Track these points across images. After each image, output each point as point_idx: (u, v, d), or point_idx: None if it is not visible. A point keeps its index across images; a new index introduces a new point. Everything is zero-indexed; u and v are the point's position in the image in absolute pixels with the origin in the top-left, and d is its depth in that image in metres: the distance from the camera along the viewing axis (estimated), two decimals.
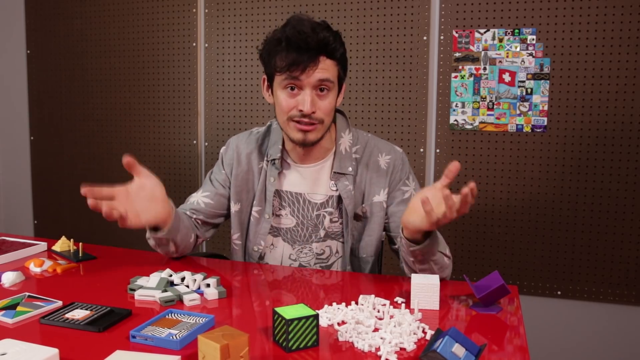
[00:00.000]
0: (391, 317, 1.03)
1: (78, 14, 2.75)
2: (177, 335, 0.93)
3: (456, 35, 2.22)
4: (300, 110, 1.30)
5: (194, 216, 1.48)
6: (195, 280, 1.18)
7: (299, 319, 0.90)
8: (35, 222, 2.97)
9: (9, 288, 1.20)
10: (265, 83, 1.40)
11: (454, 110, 2.25)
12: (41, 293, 1.15)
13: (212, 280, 1.17)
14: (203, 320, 1.00)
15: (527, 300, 2.24)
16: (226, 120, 2.55)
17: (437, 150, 2.28)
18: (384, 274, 1.38)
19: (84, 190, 1.15)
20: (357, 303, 1.10)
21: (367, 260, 1.46)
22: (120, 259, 1.42)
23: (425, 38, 2.26)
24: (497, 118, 2.21)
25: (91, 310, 1.05)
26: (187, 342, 0.93)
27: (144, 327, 0.96)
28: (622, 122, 2.09)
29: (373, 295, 1.12)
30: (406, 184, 1.44)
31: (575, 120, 2.13)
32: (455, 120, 2.25)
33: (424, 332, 0.98)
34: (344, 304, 1.09)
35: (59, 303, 1.10)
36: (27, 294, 1.14)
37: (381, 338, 0.93)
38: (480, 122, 2.23)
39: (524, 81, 2.17)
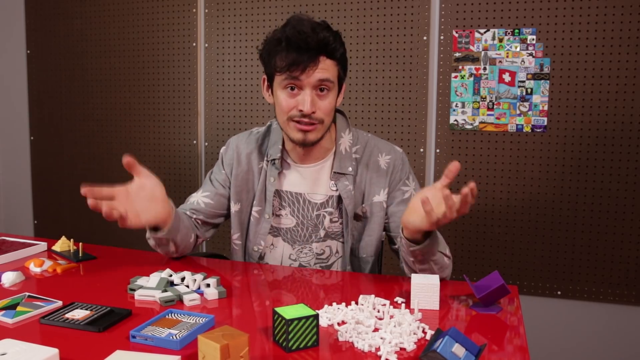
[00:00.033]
0: (391, 317, 1.03)
1: (78, 14, 2.75)
2: (177, 335, 0.93)
3: (456, 35, 2.22)
4: (300, 110, 1.30)
5: (194, 216, 1.48)
6: (195, 280, 1.18)
7: (299, 319, 0.90)
8: (35, 222, 2.97)
9: (9, 288, 1.21)
10: (265, 83, 1.40)
11: (454, 110, 2.25)
12: (41, 293, 1.15)
13: (212, 280, 1.17)
14: (203, 320, 1.00)
15: (527, 300, 2.24)
16: (226, 120, 2.55)
17: (437, 150, 2.28)
18: (384, 274, 1.38)
19: (84, 190, 1.15)
20: (357, 303, 1.10)
21: (367, 260, 1.46)
22: (120, 259, 1.42)
23: (425, 38, 2.26)
24: (497, 118, 2.21)
25: (91, 310, 1.05)
26: (187, 342, 0.93)
27: (144, 327, 0.96)
28: (622, 122, 2.09)
29: (373, 295, 1.12)
30: (406, 184, 1.44)
31: (575, 120, 2.13)
32: (455, 120, 2.25)
33: (424, 332, 0.98)
34: (344, 304, 1.09)
35: (59, 303, 1.10)
36: (27, 294, 1.14)
37: (381, 338, 0.93)
38: (480, 122, 2.23)
39: (524, 81, 2.17)
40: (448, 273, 1.30)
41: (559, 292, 2.22)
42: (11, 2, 2.87)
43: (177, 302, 1.12)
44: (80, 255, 1.43)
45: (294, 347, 0.90)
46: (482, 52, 2.20)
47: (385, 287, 1.23)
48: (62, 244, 1.48)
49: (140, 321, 1.01)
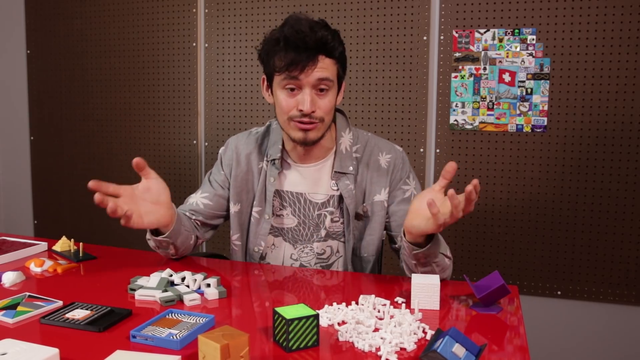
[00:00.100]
0: (391, 317, 1.03)
1: (78, 14, 2.75)
2: (177, 335, 0.93)
3: (456, 35, 2.22)
4: (301, 110, 1.29)
5: (193, 217, 1.48)
6: (196, 280, 1.18)
7: (299, 319, 0.90)
8: (35, 222, 2.97)
9: (9, 288, 1.21)
10: (265, 83, 1.40)
11: (454, 110, 2.25)
12: (41, 293, 1.15)
13: (212, 280, 1.17)
14: (203, 320, 1.00)
15: (527, 300, 2.24)
16: (226, 120, 2.55)
17: (437, 150, 2.28)
18: (384, 274, 1.38)
19: (92, 183, 1.14)
20: (357, 303, 1.10)
21: (369, 260, 1.46)
22: (121, 259, 1.42)
23: (425, 38, 2.26)
24: (497, 118, 2.21)
25: (91, 310, 1.05)
26: (187, 342, 0.93)
27: (144, 327, 0.96)
28: (622, 122, 2.09)
29: (373, 295, 1.12)
30: (407, 182, 1.44)
31: (575, 120, 2.13)
32: (455, 120, 2.25)
33: (424, 332, 0.98)
34: (344, 304, 1.09)
35: (59, 303, 1.10)
36: (28, 293, 1.14)
37: (381, 338, 0.93)
38: (480, 122, 2.23)
39: (524, 81, 2.17)
40: (449, 274, 1.30)
41: (559, 292, 2.22)
42: (11, 2, 2.87)
43: (178, 302, 1.12)
44: (80, 255, 1.43)
45: (294, 347, 0.90)
46: (482, 52, 2.20)
47: (386, 287, 1.23)
48: (63, 244, 1.48)
49: (141, 321, 1.01)
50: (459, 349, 0.84)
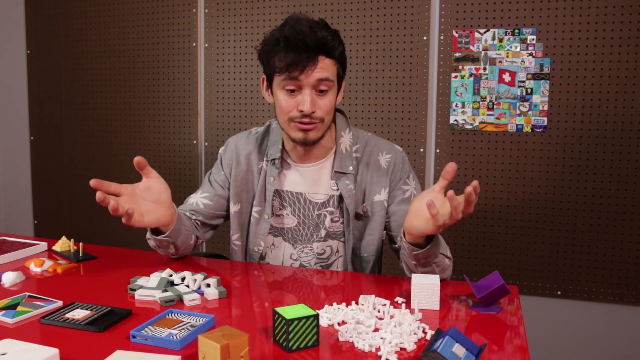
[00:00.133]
0: (391, 317, 1.03)
1: (78, 14, 2.75)
2: (177, 335, 0.93)
3: (456, 35, 2.22)
4: (301, 111, 1.29)
5: (193, 217, 1.48)
6: (196, 280, 1.18)
7: (299, 319, 0.90)
8: (35, 222, 2.97)
9: (9, 288, 1.20)
10: (265, 83, 1.40)
11: (454, 110, 2.25)
12: (41, 293, 1.15)
13: (212, 280, 1.17)
14: (203, 320, 1.00)
15: (527, 300, 2.24)
16: (226, 120, 2.55)
17: (437, 150, 2.28)
18: (384, 274, 1.38)
19: (94, 182, 1.14)
20: (357, 303, 1.10)
21: (369, 260, 1.46)
22: (121, 259, 1.42)
23: (425, 38, 2.26)
24: (497, 118, 2.21)
25: (91, 310, 1.05)
26: (187, 342, 0.93)
27: (144, 327, 0.96)
28: (622, 122, 2.09)
29: (373, 295, 1.12)
30: (407, 182, 1.44)
31: (575, 120, 2.13)
32: (455, 120, 2.25)
33: (424, 332, 0.98)
34: (344, 304, 1.09)
35: (59, 303, 1.10)
36: (27, 294, 1.14)
37: (381, 338, 0.93)
38: (480, 122, 2.23)
39: (524, 81, 2.17)
40: (449, 274, 1.30)
41: (559, 292, 2.22)
42: (11, 2, 2.87)
43: (177, 302, 1.12)
44: (80, 255, 1.43)
45: (294, 347, 0.90)
46: (482, 52, 2.20)
47: (386, 287, 1.23)
48: (62, 244, 1.48)
49: (141, 321, 1.01)
50: (459, 349, 0.84)
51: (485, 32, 2.19)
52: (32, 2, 2.83)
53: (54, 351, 0.85)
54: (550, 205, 2.19)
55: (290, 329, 0.89)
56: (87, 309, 1.05)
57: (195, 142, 2.61)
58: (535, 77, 2.15)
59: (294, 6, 2.40)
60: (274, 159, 1.43)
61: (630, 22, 2.04)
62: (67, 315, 1.02)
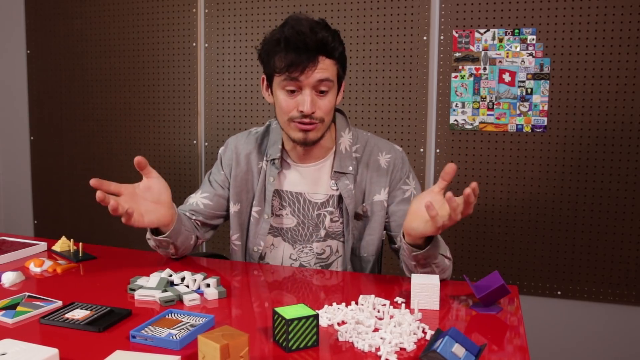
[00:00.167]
0: (391, 317, 1.03)
1: (78, 14, 2.75)
2: (177, 335, 0.93)
3: (456, 35, 2.22)
4: (301, 111, 1.29)
5: (193, 217, 1.48)
6: (195, 280, 1.18)
7: (299, 319, 0.90)
8: (35, 222, 2.97)
9: (9, 288, 1.20)
10: (265, 83, 1.40)
11: (454, 110, 2.25)
12: (41, 293, 1.15)
13: (212, 280, 1.17)
14: (203, 320, 1.00)
15: (527, 300, 2.24)
16: (226, 120, 2.55)
17: (437, 150, 2.28)
18: (384, 274, 1.38)
19: (94, 181, 1.14)
20: (357, 303, 1.10)
21: (368, 260, 1.46)
22: (120, 259, 1.42)
23: (425, 38, 2.26)
24: (497, 118, 2.21)
25: (91, 310, 1.05)
26: (187, 342, 0.93)
27: (144, 327, 0.96)
28: (622, 122, 2.09)
29: (373, 295, 1.12)
30: (406, 182, 1.44)
31: (575, 120, 2.13)
32: (455, 120, 2.25)
33: (424, 332, 0.98)
34: (344, 304, 1.09)
35: (59, 303, 1.10)
36: (27, 294, 1.14)
37: (381, 338, 0.93)
38: (480, 122, 2.23)
39: (524, 81, 2.17)
40: (449, 274, 1.30)
41: (559, 292, 2.22)
42: (11, 2, 2.87)
43: (177, 302, 1.12)
44: (80, 255, 1.43)
45: (294, 347, 0.90)
46: (482, 52, 2.20)
47: (386, 287, 1.23)
48: (62, 244, 1.48)
49: (140, 321, 1.01)
50: (458, 349, 0.84)
51: (485, 32, 2.19)
52: (32, 2, 2.83)
53: (53, 351, 0.85)
54: (550, 205, 2.19)
55: (290, 329, 0.89)
56: (86, 309, 1.05)
57: (195, 142, 2.61)
58: (535, 77, 2.15)
59: (294, 6, 2.40)
60: (273, 159, 1.43)
61: (630, 22, 2.04)
62: (67, 315, 1.02)
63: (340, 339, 0.95)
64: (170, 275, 1.21)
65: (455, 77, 2.23)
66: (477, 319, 1.06)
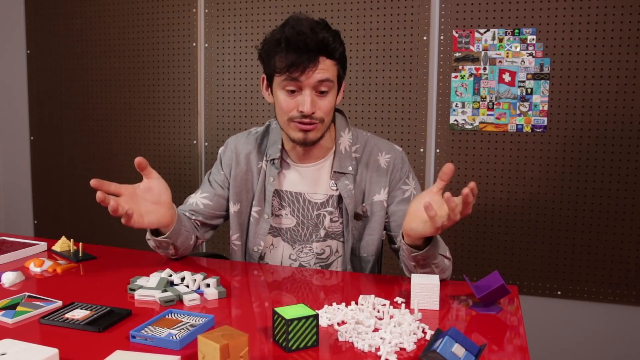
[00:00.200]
0: (391, 317, 1.03)
1: (78, 14, 2.75)
2: (177, 335, 0.93)
3: (456, 35, 2.22)
4: (301, 111, 1.29)
5: (193, 217, 1.48)
6: (195, 280, 1.18)
7: (299, 319, 0.90)
8: (35, 222, 2.97)
9: (9, 288, 1.20)
10: (265, 82, 1.40)
11: (454, 110, 2.25)
12: (41, 293, 1.15)
13: (212, 280, 1.17)
14: (203, 320, 1.00)
15: (527, 300, 2.24)
16: (226, 120, 2.55)
17: (437, 150, 2.28)
18: (384, 274, 1.38)
19: (94, 182, 1.14)
20: (357, 303, 1.10)
21: (368, 260, 1.46)
22: (120, 259, 1.42)
23: (425, 38, 2.26)
24: (497, 118, 2.21)
25: (91, 310, 1.05)
26: (187, 342, 0.93)
27: (144, 327, 0.96)
28: (622, 122, 2.09)
29: (373, 295, 1.12)
30: (406, 182, 1.44)
31: (575, 120, 2.13)
32: (455, 120, 2.25)
33: (423, 332, 0.98)
34: (343, 304, 1.09)
35: (59, 303, 1.10)
36: (27, 294, 1.14)
37: (381, 338, 0.93)
38: (480, 122, 2.23)
39: (524, 81, 2.17)
40: (448, 274, 1.30)
41: (559, 292, 2.22)
42: (11, 2, 2.87)
43: (177, 302, 1.12)
44: (80, 255, 1.43)
45: (293, 347, 0.90)
46: (482, 52, 2.20)
47: (385, 287, 1.23)
48: (62, 244, 1.48)
49: (140, 321, 1.01)
50: (458, 349, 0.84)
51: (485, 32, 2.19)
52: (32, 2, 2.83)
53: (53, 351, 0.85)
54: (550, 205, 2.19)
55: (290, 329, 0.89)
56: (86, 309, 1.05)
57: (195, 142, 2.61)
58: (535, 77, 2.15)
59: (294, 6, 2.40)
60: (273, 159, 1.43)
61: (630, 22, 2.04)
62: (67, 315, 1.02)
63: (340, 339, 0.95)
64: (170, 275, 1.21)
65: (455, 77, 2.23)
66: (477, 319, 1.06)
